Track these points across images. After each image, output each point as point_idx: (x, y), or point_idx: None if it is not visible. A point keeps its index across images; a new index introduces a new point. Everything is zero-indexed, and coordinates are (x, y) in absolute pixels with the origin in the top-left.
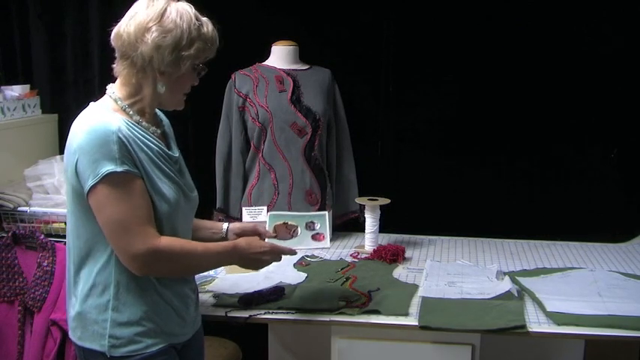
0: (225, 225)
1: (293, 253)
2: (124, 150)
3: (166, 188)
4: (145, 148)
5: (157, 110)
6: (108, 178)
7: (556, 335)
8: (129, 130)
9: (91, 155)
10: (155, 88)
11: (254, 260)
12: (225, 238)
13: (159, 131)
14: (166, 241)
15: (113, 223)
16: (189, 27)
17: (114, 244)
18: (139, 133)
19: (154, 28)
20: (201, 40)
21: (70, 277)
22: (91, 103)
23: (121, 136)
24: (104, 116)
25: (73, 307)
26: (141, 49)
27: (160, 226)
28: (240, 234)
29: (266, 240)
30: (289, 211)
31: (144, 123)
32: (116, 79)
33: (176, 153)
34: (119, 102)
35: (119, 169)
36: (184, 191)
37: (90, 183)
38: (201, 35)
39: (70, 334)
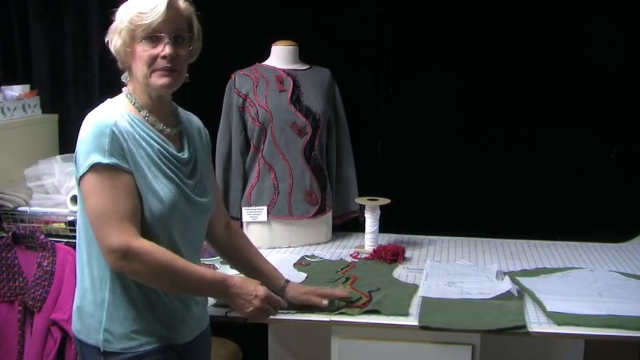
0: (282, 281)
1: (283, 306)
2: (116, 144)
3: (161, 187)
4: (144, 144)
5: (180, 111)
6: (95, 169)
7: (556, 335)
8: (131, 125)
9: (85, 146)
10: (130, 75)
11: (243, 301)
12: (280, 294)
13: (169, 130)
14: (143, 244)
15: (94, 213)
16: (121, 9)
17: (95, 234)
18: (141, 129)
19: None
20: (131, 10)
21: (77, 270)
22: (107, 99)
23: (114, 129)
24: (106, 110)
25: (75, 300)
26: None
27: (154, 226)
28: (299, 298)
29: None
30: (289, 211)
31: (151, 119)
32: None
33: (185, 155)
34: (129, 96)
35: (105, 160)
36: (186, 194)
37: (80, 172)
38: (130, 8)
39: (72, 327)
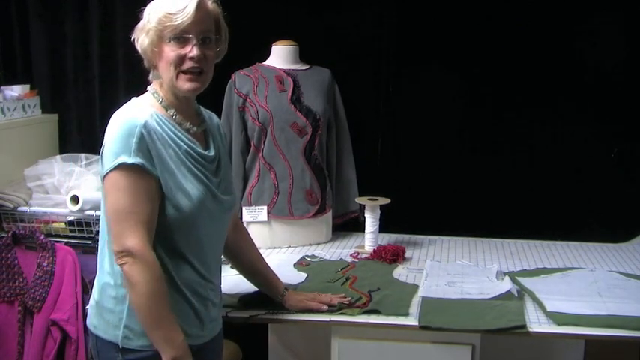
0: (281, 289)
1: None
2: (143, 145)
3: (190, 186)
4: (173, 145)
5: (203, 110)
6: (120, 168)
7: (556, 335)
8: (159, 124)
9: (113, 145)
10: (158, 77)
11: None
12: (279, 302)
13: (196, 129)
14: (154, 256)
15: (113, 211)
16: (149, 8)
17: (111, 230)
18: (169, 129)
19: None
20: (160, 10)
21: (97, 266)
22: (133, 98)
23: (143, 131)
24: (134, 110)
25: (93, 295)
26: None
27: (182, 225)
28: (298, 306)
29: None
30: (290, 211)
31: (178, 117)
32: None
33: (211, 153)
34: (156, 95)
35: (130, 160)
36: (212, 192)
37: (105, 171)
38: (158, 8)
39: (87, 322)
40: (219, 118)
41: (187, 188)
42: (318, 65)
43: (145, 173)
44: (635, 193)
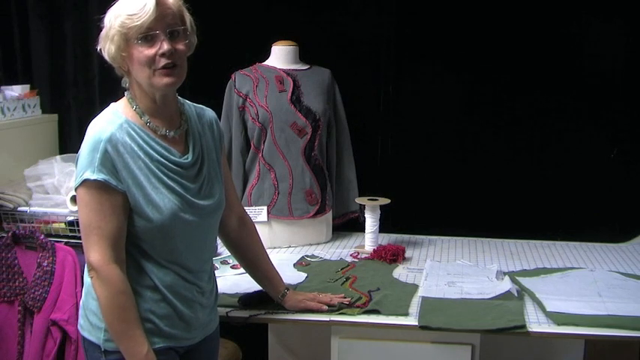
0: (282, 289)
1: None
2: (107, 161)
3: (161, 198)
4: (143, 155)
5: (187, 108)
6: (84, 183)
7: (556, 335)
8: (129, 135)
9: (81, 160)
10: (130, 80)
11: None
12: (279, 302)
13: (173, 133)
14: (111, 272)
15: (81, 225)
16: (109, 15)
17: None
18: (141, 138)
19: None
20: (121, 14)
21: (85, 269)
22: (112, 103)
23: (108, 146)
24: (104, 122)
25: (81, 297)
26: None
27: (155, 236)
28: (298, 306)
29: None
30: (290, 211)
31: (152, 124)
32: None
33: (189, 158)
34: (131, 102)
35: (93, 177)
36: (188, 201)
37: (74, 185)
38: (118, 12)
39: (77, 322)
40: (220, 118)
41: (158, 200)
42: (318, 65)
43: (108, 188)
44: (635, 193)
